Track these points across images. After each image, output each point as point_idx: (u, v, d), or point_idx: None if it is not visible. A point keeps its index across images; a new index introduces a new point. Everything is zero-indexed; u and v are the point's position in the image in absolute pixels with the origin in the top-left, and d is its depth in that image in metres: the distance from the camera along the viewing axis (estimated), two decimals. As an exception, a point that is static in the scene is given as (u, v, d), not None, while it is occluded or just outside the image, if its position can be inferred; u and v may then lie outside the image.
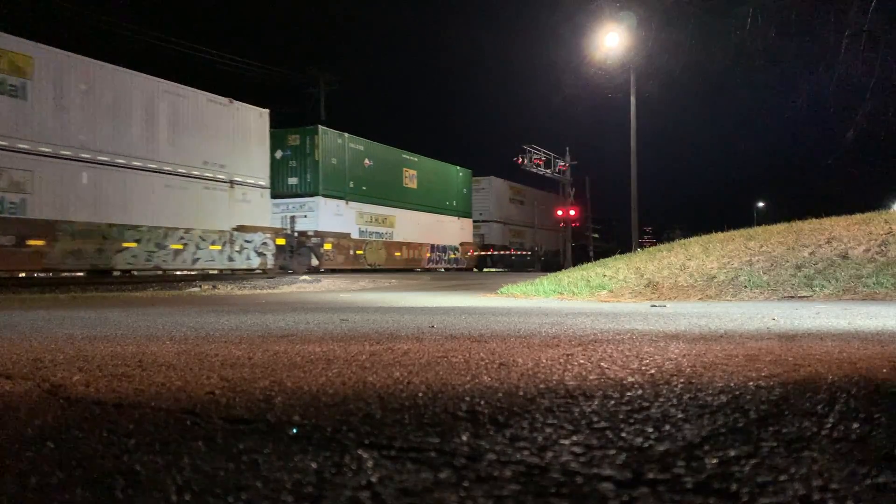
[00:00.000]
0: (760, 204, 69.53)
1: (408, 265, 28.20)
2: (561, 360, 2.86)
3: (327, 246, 22.97)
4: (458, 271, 30.72)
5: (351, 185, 24.80)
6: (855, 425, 1.70)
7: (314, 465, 1.38)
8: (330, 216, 23.60)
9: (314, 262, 22.90)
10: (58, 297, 9.59)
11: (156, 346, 3.42)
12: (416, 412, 1.87)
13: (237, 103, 18.86)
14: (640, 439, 1.58)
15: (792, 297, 7.90)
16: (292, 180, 23.47)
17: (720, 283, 8.81)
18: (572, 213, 37.84)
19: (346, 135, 24.55)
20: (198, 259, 17.20)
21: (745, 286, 8.49)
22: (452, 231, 31.96)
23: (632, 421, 1.76)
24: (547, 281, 10.55)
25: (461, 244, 32.40)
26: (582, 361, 2.84)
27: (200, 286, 13.22)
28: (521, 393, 2.14)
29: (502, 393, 2.14)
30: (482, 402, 1.99)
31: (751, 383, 2.30)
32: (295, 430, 1.67)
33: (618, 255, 13.29)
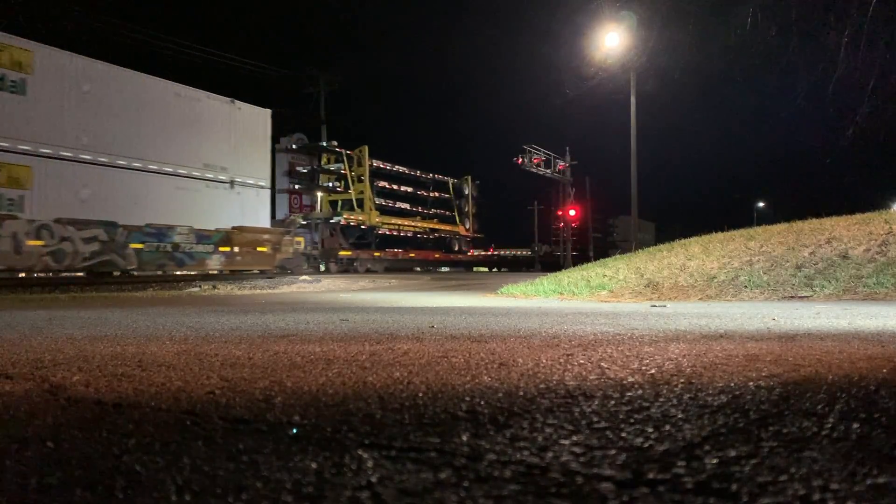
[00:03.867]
0: (760, 204, 69.44)
1: None
2: (561, 361, 2.86)
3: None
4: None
5: None
6: (855, 425, 1.70)
7: (314, 465, 1.38)
8: None
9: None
10: (58, 297, 9.59)
11: (156, 346, 3.42)
12: (416, 412, 1.87)
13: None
14: (640, 439, 1.58)
15: (792, 297, 7.90)
16: None
17: (720, 283, 8.80)
18: (572, 213, 37.75)
19: None
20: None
21: (746, 286, 8.49)
22: None
23: (632, 421, 1.76)
24: (547, 281, 10.56)
25: None
26: (582, 361, 2.84)
27: (200, 286, 13.22)
28: (521, 393, 2.14)
29: (502, 393, 2.14)
30: (482, 402, 1.99)
31: (751, 383, 2.29)
32: (295, 430, 1.67)
33: (618, 255, 13.31)
